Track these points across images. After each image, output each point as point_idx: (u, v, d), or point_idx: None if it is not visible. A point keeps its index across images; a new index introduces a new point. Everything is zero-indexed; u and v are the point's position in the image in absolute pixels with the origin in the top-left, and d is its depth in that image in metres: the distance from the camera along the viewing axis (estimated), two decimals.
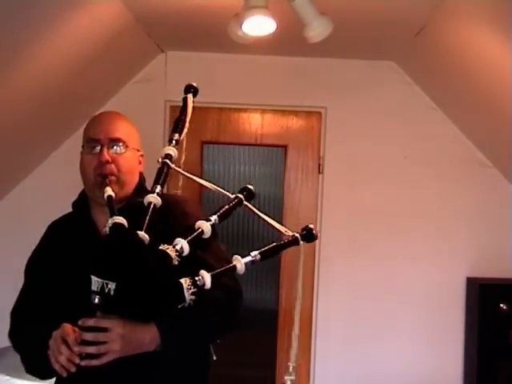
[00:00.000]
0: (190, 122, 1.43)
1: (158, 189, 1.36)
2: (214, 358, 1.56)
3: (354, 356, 2.97)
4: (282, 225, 1.40)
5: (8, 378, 2.24)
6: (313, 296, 3.04)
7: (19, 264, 1.54)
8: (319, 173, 3.08)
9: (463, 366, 2.98)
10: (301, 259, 1.37)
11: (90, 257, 1.42)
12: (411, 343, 3.00)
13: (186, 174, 1.42)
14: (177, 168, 1.39)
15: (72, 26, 2.06)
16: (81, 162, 1.51)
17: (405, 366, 2.98)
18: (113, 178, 1.44)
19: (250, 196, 1.41)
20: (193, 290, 1.23)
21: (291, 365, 1.34)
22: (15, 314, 1.53)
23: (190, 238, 1.29)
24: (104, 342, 1.24)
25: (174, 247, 1.27)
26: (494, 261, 2.93)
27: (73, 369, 1.25)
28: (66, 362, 1.25)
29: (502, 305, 2.79)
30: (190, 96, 1.46)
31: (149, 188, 1.44)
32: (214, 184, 1.44)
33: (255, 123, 3.10)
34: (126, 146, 1.48)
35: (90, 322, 1.25)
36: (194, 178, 1.43)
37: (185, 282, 1.24)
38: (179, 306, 1.25)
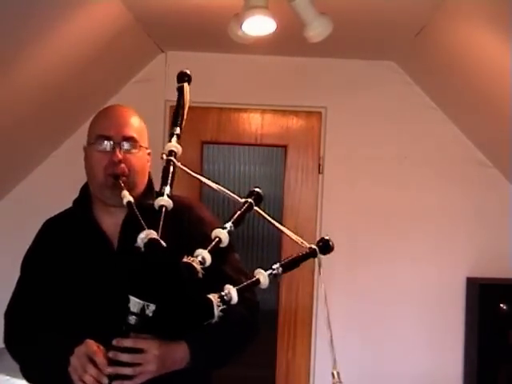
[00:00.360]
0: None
1: (168, 190, 1.26)
2: None
3: (354, 356, 2.97)
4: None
5: (8, 378, 2.24)
6: (313, 296, 3.04)
7: (19, 264, 1.52)
8: (319, 173, 3.07)
9: (463, 366, 2.98)
10: (321, 271, 1.30)
11: (93, 257, 1.40)
12: (411, 343, 3.00)
13: (192, 173, 1.32)
14: (183, 167, 1.30)
15: (72, 26, 2.06)
16: (88, 158, 1.43)
17: (405, 366, 2.98)
18: (124, 178, 1.36)
19: (258, 200, 1.33)
20: (222, 307, 1.17)
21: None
22: (12, 318, 1.46)
23: (209, 248, 1.21)
24: (139, 364, 1.21)
25: (196, 257, 1.19)
26: (494, 261, 2.92)
27: None
28: (92, 382, 1.20)
29: (502, 305, 2.79)
30: (185, 85, 1.36)
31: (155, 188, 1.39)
32: (219, 185, 1.35)
33: (255, 123, 3.09)
34: (139, 146, 1.42)
35: (127, 343, 1.20)
36: (201, 178, 1.34)
37: (214, 298, 1.17)
38: (206, 323, 1.19)
